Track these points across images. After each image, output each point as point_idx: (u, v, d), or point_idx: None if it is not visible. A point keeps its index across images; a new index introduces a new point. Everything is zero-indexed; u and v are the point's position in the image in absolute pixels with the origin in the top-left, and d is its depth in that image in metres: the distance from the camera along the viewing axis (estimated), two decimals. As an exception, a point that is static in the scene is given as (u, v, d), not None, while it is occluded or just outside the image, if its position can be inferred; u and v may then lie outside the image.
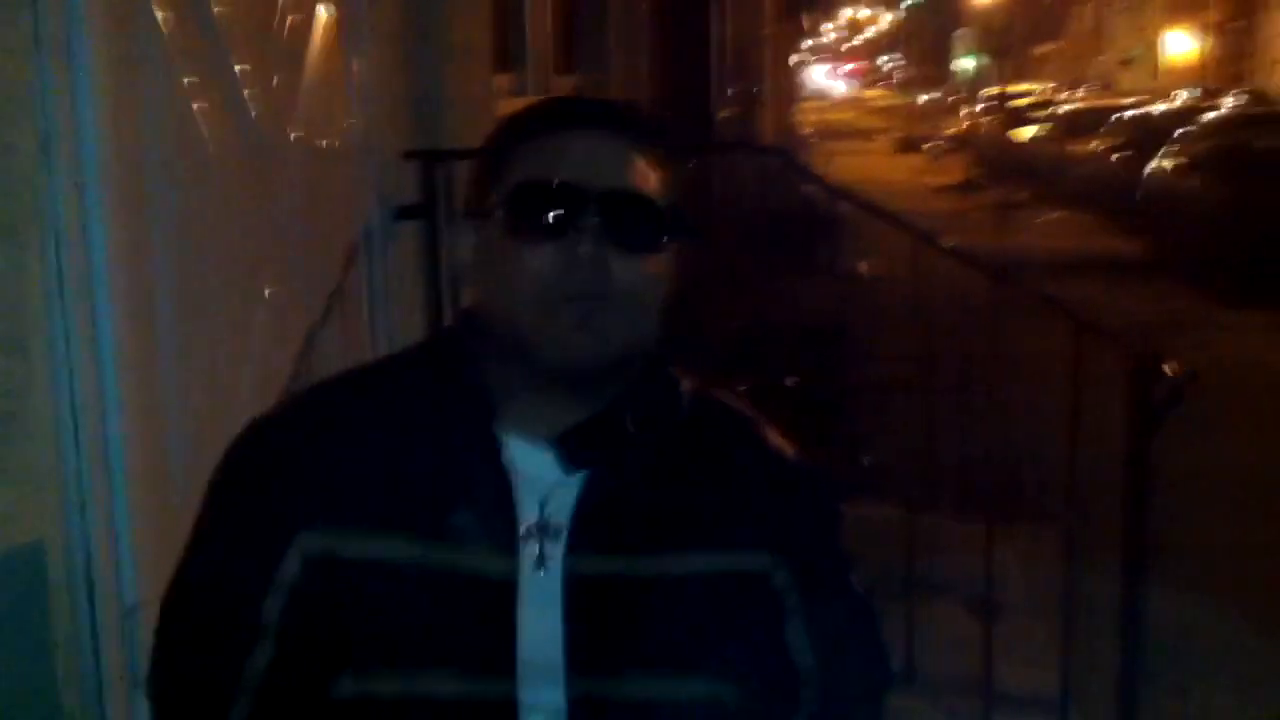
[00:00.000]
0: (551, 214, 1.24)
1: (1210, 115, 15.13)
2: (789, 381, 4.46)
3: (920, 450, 3.53)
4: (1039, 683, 3.81)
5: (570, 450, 1.28)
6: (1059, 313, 2.93)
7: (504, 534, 1.26)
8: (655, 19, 7.88)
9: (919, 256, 3.19)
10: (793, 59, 31.28)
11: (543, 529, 1.28)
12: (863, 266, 12.54)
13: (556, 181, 1.25)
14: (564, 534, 1.27)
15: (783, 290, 6.91)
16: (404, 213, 3.25)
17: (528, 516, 1.27)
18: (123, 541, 1.95)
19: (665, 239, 1.29)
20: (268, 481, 1.30)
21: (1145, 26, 63.27)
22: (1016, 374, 3.37)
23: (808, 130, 31.96)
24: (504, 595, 1.26)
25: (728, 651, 1.31)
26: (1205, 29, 55.00)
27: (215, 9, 2.26)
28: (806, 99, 51.14)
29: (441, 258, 3.25)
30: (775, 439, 1.41)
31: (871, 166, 25.22)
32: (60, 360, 1.78)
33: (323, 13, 2.78)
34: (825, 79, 77.95)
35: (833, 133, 40.19)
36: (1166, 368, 2.71)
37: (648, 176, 1.29)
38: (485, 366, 1.31)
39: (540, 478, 1.28)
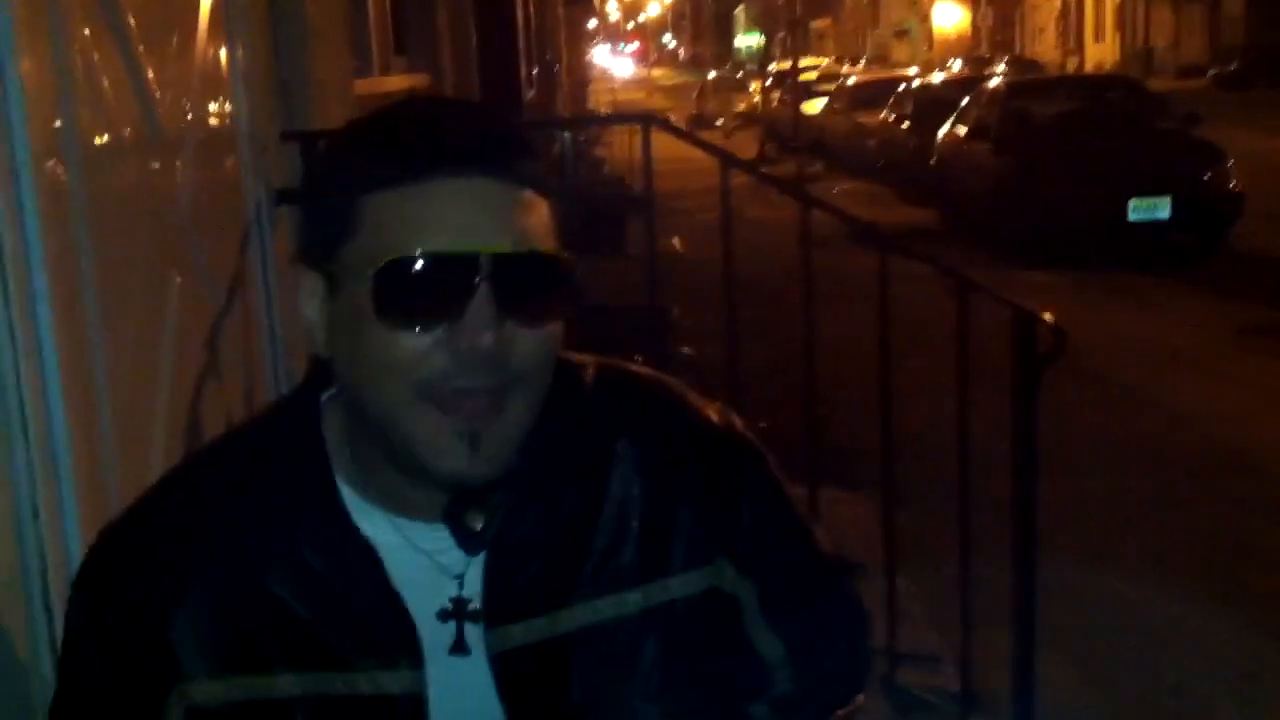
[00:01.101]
0: (433, 294, 1.01)
1: (991, 83, 15.77)
2: (686, 351, 4.51)
3: (795, 422, 3.59)
4: (932, 641, 3.98)
5: (463, 529, 1.10)
6: (941, 274, 3.04)
7: (398, 643, 1.10)
8: (474, 2, 7.85)
9: (805, 220, 3.26)
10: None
11: (459, 611, 1.12)
12: (676, 242, 12.77)
13: (434, 253, 1.00)
14: (481, 615, 1.12)
15: (607, 270, 6.93)
16: (283, 196, 3.19)
17: (439, 600, 1.12)
18: (71, 541, 1.90)
19: (570, 299, 1.07)
20: (131, 629, 1.10)
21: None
22: (902, 341, 3.46)
23: (602, 110, 32.11)
24: (414, 711, 1.11)
25: (687, 673, 1.18)
26: (974, 1, 57.30)
27: (122, 6, 2.20)
28: (597, 80, 51.38)
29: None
30: (704, 417, 1.23)
31: (667, 144, 25.34)
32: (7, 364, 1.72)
33: (205, 1, 2.72)
34: (611, 58, 78.36)
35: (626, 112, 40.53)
36: (1048, 316, 2.86)
37: (539, 223, 1.05)
38: (351, 434, 1.12)
39: (446, 554, 1.12)
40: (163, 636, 1.09)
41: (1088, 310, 9.58)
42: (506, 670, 1.12)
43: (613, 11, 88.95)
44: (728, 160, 3.18)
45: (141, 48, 2.27)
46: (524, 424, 1.06)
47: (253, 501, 1.11)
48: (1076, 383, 5.97)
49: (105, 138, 2.13)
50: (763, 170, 21.91)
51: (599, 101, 37.69)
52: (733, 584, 1.21)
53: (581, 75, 29.17)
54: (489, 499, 1.10)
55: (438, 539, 1.11)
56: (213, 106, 2.75)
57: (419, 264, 1.00)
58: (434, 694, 1.11)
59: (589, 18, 37.47)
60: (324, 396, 1.15)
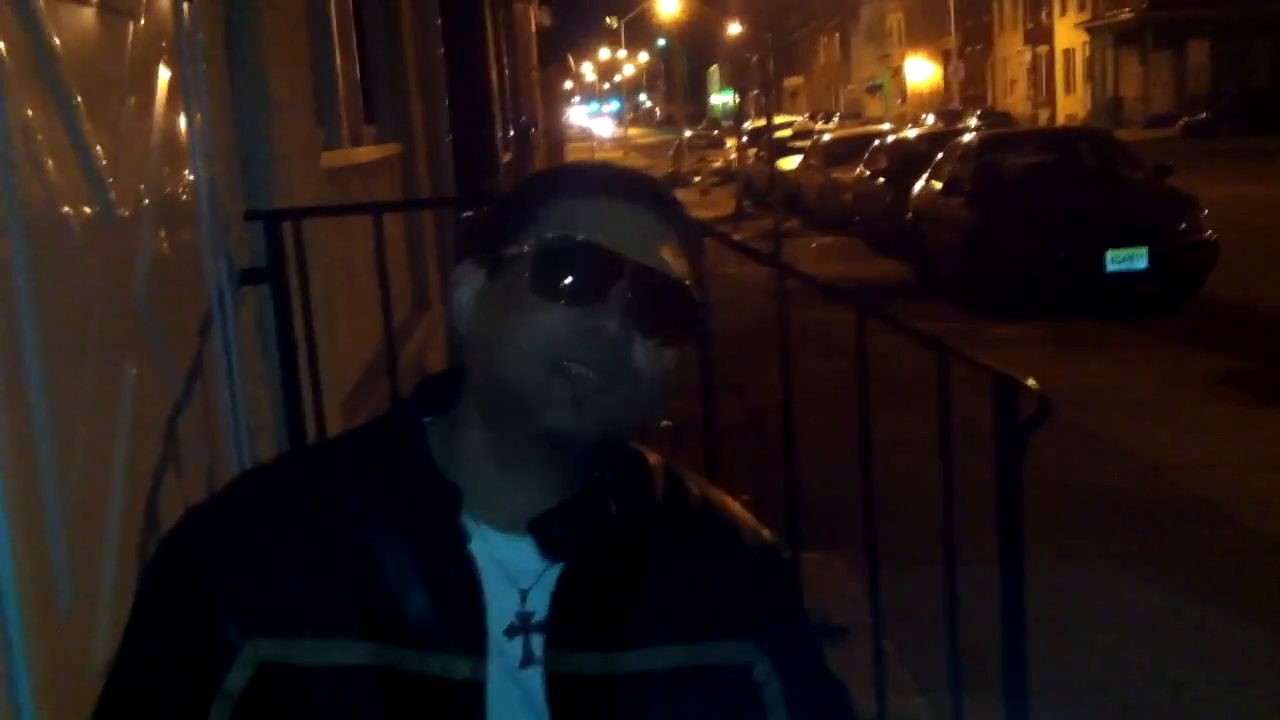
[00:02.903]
0: (582, 277, 1.15)
1: (965, 137, 15.86)
2: (663, 424, 4.44)
3: (783, 485, 3.53)
4: (917, 706, 3.89)
5: (547, 538, 1.19)
6: (920, 341, 2.97)
7: (470, 632, 1.16)
8: (446, 67, 7.81)
9: (780, 286, 3.20)
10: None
11: (526, 623, 1.18)
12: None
13: (594, 244, 1.16)
14: (545, 627, 1.18)
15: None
16: (248, 276, 3.11)
17: (506, 610, 1.18)
18: (15, 644, 1.80)
19: (688, 332, 1.20)
20: (210, 583, 1.15)
21: (888, 55, 66.27)
22: (882, 402, 3.42)
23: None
24: (472, 699, 1.15)
25: None
26: (944, 55, 57.94)
27: (65, 79, 2.12)
28: (573, 139, 51.63)
29: (293, 323, 3.11)
30: (743, 517, 1.34)
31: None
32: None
33: (163, 72, 2.64)
34: (589, 119, 78.80)
35: (602, 171, 40.67)
36: (1031, 382, 2.79)
37: (682, 262, 1.21)
38: (451, 445, 1.22)
39: (518, 567, 1.19)
40: (243, 579, 1.14)
41: (1061, 361, 9.57)
42: (558, 690, 1.17)
43: (588, 72, 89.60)
44: (700, 230, 3.12)
45: (89, 124, 2.19)
46: (622, 415, 1.17)
47: (355, 487, 1.19)
48: (1049, 434, 5.94)
49: (51, 219, 2.05)
50: (741, 225, 21.88)
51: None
52: (762, 674, 1.27)
53: (558, 136, 29.28)
54: (569, 520, 1.19)
55: (514, 549, 1.19)
56: (170, 183, 2.66)
57: (575, 249, 1.15)
58: (491, 689, 1.16)
59: (564, 79, 37.69)
60: (426, 420, 1.25)
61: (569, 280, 1.15)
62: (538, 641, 1.18)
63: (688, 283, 1.20)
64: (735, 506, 1.34)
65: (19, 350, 1.90)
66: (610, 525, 1.22)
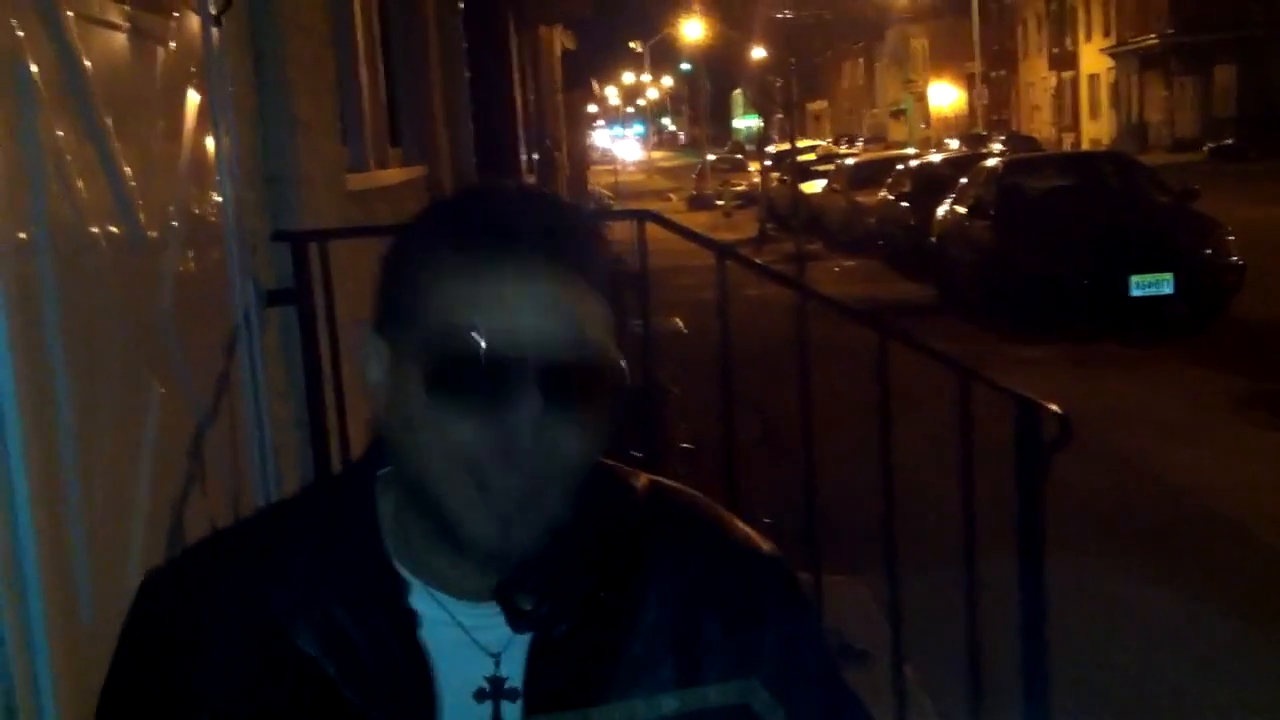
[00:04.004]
0: (482, 388, 1.04)
1: (989, 162, 15.85)
2: (685, 445, 4.44)
3: (805, 505, 3.53)
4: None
5: (513, 611, 1.11)
6: (942, 364, 2.98)
7: (418, 707, 1.11)
8: (470, 90, 7.86)
9: (803, 311, 3.20)
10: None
11: (498, 689, 1.13)
12: (678, 321, 12.74)
13: (487, 351, 1.03)
14: (519, 695, 1.13)
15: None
16: (275, 297, 3.13)
17: (472, 675, 1.13)
18: (40, 662, 1.82)
19: (615, 390, 1.09)
20: (163, 675, 1.13)
21: (912, 79, 66.30)
22: (901, 423, 3.41)
23: (604, 193, 32.31)
24: None
25: None
26: (968, 79, 57.91)
27: (95, 101, 2.15)
28: (596, 162, 51.81)
29: (319, 344, 3.13)
30: (742, 537, 1.25)
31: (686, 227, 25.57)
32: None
33: (192, 95, 2.67)
34: (613, 142, 79.00)
35: (627, 194, 40.81)
36: (1053, 406, 2.79)
37: (594, 316, 1.07)
38: (404, 522, 1.14)
39: (486, 634, 1.13)
40: (189, 684, 1.12)
41: (1085, 382, 9.53)
42: None
43: (612, 96, 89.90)
44: (722, 252, 3.13)
45: (118, 145, 2.21)
46: (558, 515, 1.08)
47: (295, 559, 1.14)
48: (1074, 455, 5.93)
49: (80, 238, 2.08)
50: (763, 248, 21.82)
51: (600, 184, 37.95)
52: (764, 706, 1.20)
53: (582, 159, 29.38)
54: (538, 583, 1.12)
55: (478, 615, 1.13)
56: (198, 204, 2.69)
57: (470, 354, 1.03)
58: None
59: (588, 102, 37.83)
60: (380, 473, 1.18)
61: (466, 390, 1.05)
62: (509, 709, 1.12)
63: (605, 347, 1.08)
64: (728, 522, 1.26)
65: (48, 368, 1.92)
66: (583, 583, 1.14)
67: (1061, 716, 3.18)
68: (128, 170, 2.26)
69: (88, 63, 2.14)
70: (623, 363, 1.09)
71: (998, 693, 3.32)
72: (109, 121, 2.19)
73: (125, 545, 2.17)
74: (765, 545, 1.26)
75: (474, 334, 1.03)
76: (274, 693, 1.11)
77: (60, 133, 2.02)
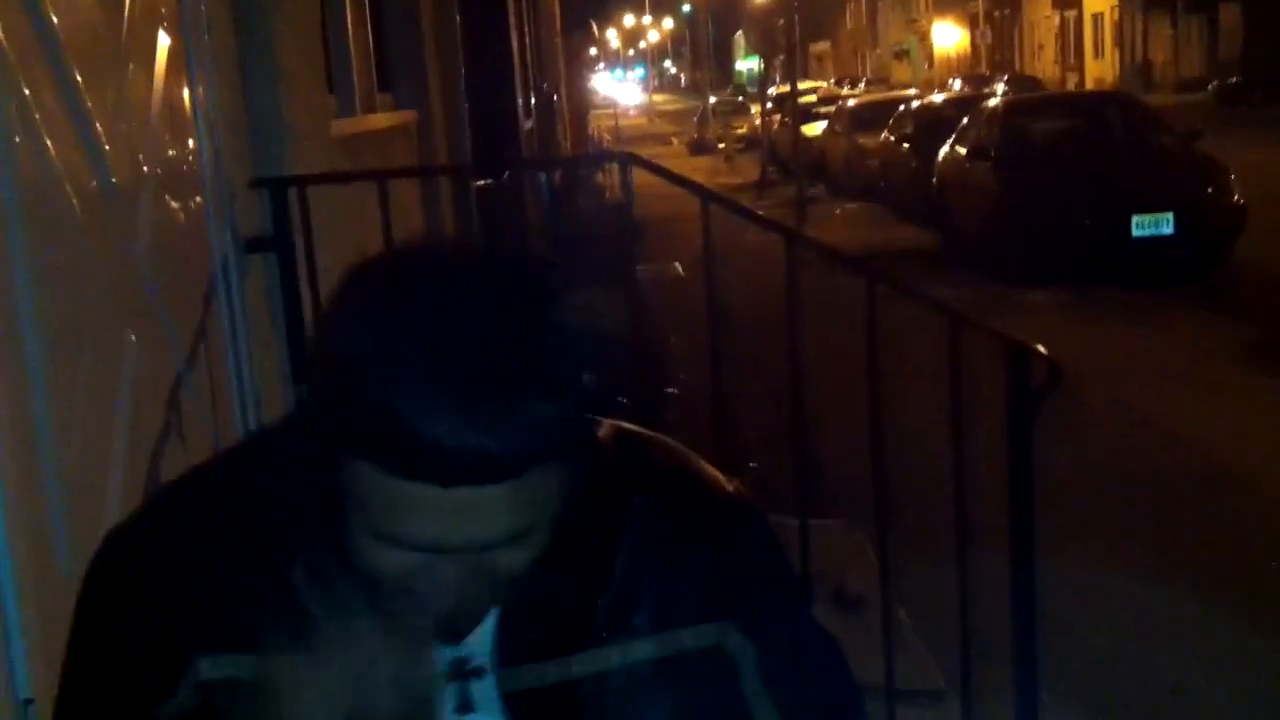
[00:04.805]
0: (410, 554, 1.00)
1: (990, 102, 15.69)
2: (672, 391, 4.44)
3: (797, 454, 3.51)
4: (934, 675, 3.87)
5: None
6: (931, 308, 2.95)
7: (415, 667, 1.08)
8: (465, 33, 7.77)
9: (791, 255, 3.16)
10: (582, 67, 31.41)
11: (459, 670, 1.13)
12: (678, 267, 12.71)
13: (413, 544, 0.98)
14: (488, 672, 1.13)
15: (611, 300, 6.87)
16: (253, 245, 3.10)
17: (440, 657, 1.11)
18: (11, 625, 1.81)
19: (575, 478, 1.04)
20: (147, 600, 1.10)
21: (916, 20, 65.72)
22: (888, 371, 3.39)
23: (604, 137, 32.14)
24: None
25: None
26: (971, 19, 57.43)
27: (61, 43, 2.11)
28: (597, 106, 51.50)
29: (300, 290, 3.11)
30: (709, 479, 1.25)
31: (671, 169, 25.42)
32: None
33: (164, 39, 2.63)
34: (615, 85, 78.49)
35: (629, 138, 40.63)
36: (1041, 349, 2.77)
37: (542, 500, 1.00)
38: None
39: None
40: (181, 596, 1.10)
41: (1088, 328, 9.48)
42: (518, 712, 1.13)
43: (613, 39, 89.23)
44: (705, 196, 3.10)
45: (86, 93, 2.18)
46: (506, 599, 1.08)
47: (273, 494, 1.11)
48: (1074, 402, 5.90)
49: (46, 188, 2.05)
50: (765, 192, 21.70)
51: (600, 128, 37.74)
52: (736, 646, 1.20)
53: (582, 103, 29.17)
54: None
55: None
56: (172, 152, 2.65)
57: (392, 537, 0.98)
58: None
59: (588, 45, 37.53)
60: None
61: (397, 551, 1.00)
62: (477, 687, 1.12)
63: (544, 518, 1.02)
64: (694, 465, 1.25)
65: (15, 320, 1.90)
66: (556, 542, 1.09)
67: (1051, 664, 3.17)
68: (97, 122, 2.23)
69: (54, 14, 2.10)
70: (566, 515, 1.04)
71: (992, 638, 3.32)
72: (74, 69, 2.16)
73: (103, 493, 2.16)
74: (731, 486, 1.26)
75: (394, 537, 0.98)
76: (264, 619, 1.07)
77: (22, 81, 1.98)
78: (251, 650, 1.07)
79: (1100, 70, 49.85)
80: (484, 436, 0.92)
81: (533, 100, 14.62)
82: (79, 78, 2.16)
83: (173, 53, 2.67)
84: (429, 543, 0.98)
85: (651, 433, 1.27)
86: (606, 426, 1.23)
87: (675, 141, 39.40)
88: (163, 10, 2.65)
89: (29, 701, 1.80)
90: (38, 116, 2.02)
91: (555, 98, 17.88)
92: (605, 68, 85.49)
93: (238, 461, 1.21)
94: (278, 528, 1.10)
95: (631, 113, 65.21)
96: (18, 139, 1.94)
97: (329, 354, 0.98)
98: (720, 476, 1.26)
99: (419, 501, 0.95)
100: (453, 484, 0.93)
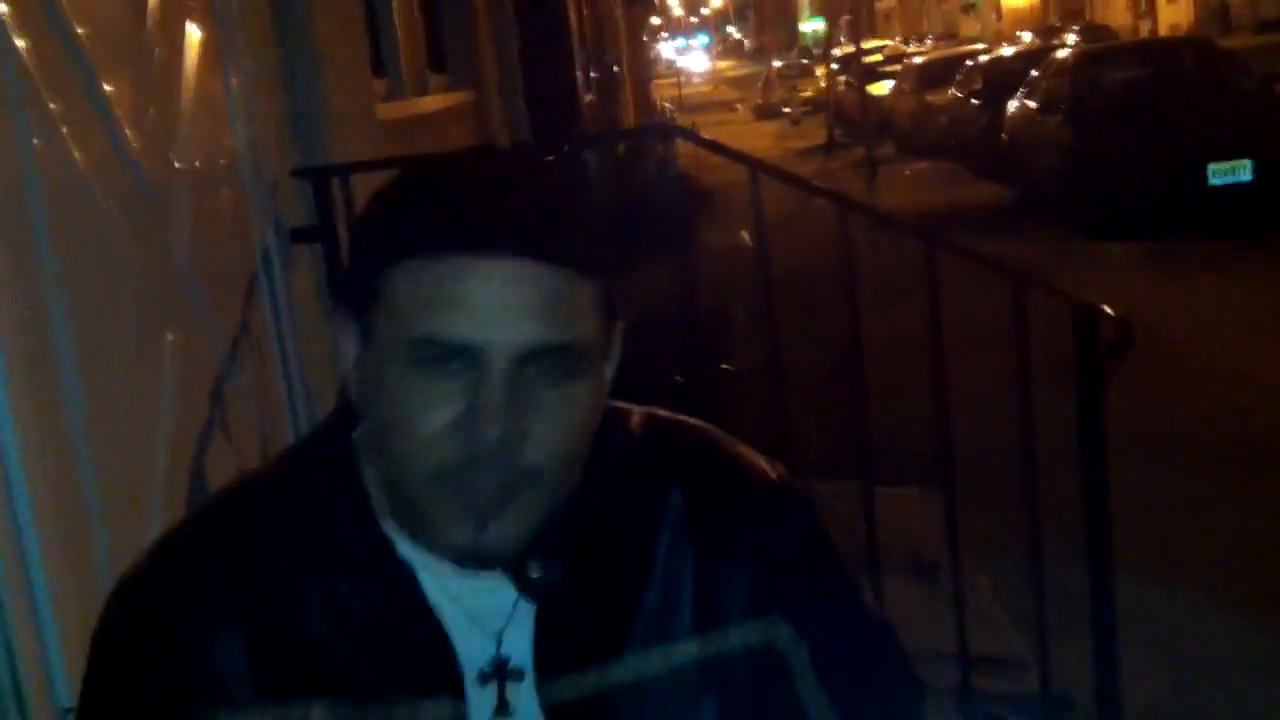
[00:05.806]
0: (446, 385, 1.00)
1: (1060, 54, 15.35)
2: (725, 366, 4.37)
3: (858, 423, 3.44)
4: (1005, 645, 3.79)
5: (522, 581, 1.08)
6: (993, 270, 2.86)
7: (442, 675, 1.07)
8: (519, 8, 7.70)
9: (846, 223, 3.08)
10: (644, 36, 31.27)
11: (500, 671, 1.09)
12: (745, 235, 12.61)
13: (457, 343, 0.98)
14: (528, 674, 1.09)
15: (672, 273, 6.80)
16: (298, 235, 3.06)
17: (474, 657, 1.08)
18: (48, 633, 1.78)
19: (596, 384, 1.05)
20: (161, 659, 1.07)
21: (982, -28, 64.63)
22: (953, 338, 3.30)
23: (668, 106, 31.99)
24: None
25: None
26: (1040, -30, 56.31)
27: (81, 40, 2.07)
28: (661, 75, 51.29)
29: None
30: (749, 466, 1.20)
31: (735, 136, 25.33)
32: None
33: (194, 31, 2.59)
34: (678, 54, 78.16)
35: (693, 106, 40.42)
36: (1109, 310, 2.66)
37: (574, 305, 1.01)
38: (390, 488, 1.08)
39: (484, 607, 1.09)
40: (200, 668, 1.06)
41: (1167, 282, 9.25)
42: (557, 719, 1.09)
43: (675, 6, 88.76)
44: (754, 166, 3.03)
45: (111, 90, 2.14)
46: (537, 515, 1.04)
47: (288, 540, 1.09)
48: (1152, 358, 5.73)
49: (75, 189, 2.01)
50: (833, 155, 21.41)
51: (663, 96, 37.54)
52: (786, 642, 1.17)
53: (644, 73, 29.02)
54: (544, 547, 1.07)
55: (476, 588, 1.08)
56: (208, 147, 2.61)
57: (435, 348, 0.99)
58: None
59: (650, 14, 37.33)
60: (355, 435, 1.12)
61: (433, 386, 1.00)
62: (518, 689, 1.09)
63: (583, 334, 1.02)
64: (734, 451, 1.20)
65: (47, 327, 1.87)
66: (593, 539, 1.10)
67: (1130, 631, 3.08)
68: (122, 120, 2.19)
69: (74, 15, 2.06)
70: (617, 335, 1.08)
71: (1069, 599, 3.24)
72: (98, 64, 2.12)
73: (143, 500, 2.14)
74: (774, 473, 1.20)
75: (440, 328, 0.99)
76: (286, 670, 1.06)
77: (46, 77, 1.94)
78: (277, 699, 1.06)
79: (1174, 15, 48.64)
80: (512, 200, 1.01)
81: (592, 74, 14.54)
82: (101, 69, 2.12)
83: (204, 44, 2.63)
84: (477, 339, 0.98)
85: (688, 419, 1.23)
86: (637, 416, 1.19)
87: (740, 108, 39.12)
88: (191, 2, 2.60)
89: (70, 710, 1.77)
90: (65, 129, 1.98)
91: (616, 69, 17.77)
92: (669, 37, 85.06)
93: (254, 496, 1.16)
94: (293, 575, 1.08)
95: (695, 80, 64.86)
96: (42, 145, 1.90)
97: (372, 202, 1.05)
98: (761, 461, 1.21)
99: (468, 282, 0.98)
100: (498, 249, 0.98)
